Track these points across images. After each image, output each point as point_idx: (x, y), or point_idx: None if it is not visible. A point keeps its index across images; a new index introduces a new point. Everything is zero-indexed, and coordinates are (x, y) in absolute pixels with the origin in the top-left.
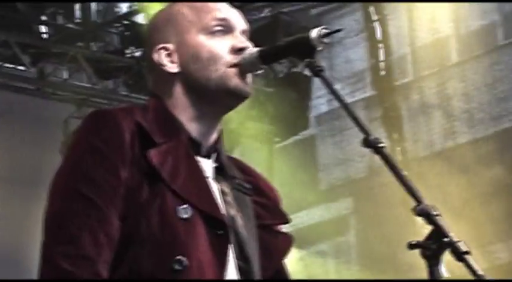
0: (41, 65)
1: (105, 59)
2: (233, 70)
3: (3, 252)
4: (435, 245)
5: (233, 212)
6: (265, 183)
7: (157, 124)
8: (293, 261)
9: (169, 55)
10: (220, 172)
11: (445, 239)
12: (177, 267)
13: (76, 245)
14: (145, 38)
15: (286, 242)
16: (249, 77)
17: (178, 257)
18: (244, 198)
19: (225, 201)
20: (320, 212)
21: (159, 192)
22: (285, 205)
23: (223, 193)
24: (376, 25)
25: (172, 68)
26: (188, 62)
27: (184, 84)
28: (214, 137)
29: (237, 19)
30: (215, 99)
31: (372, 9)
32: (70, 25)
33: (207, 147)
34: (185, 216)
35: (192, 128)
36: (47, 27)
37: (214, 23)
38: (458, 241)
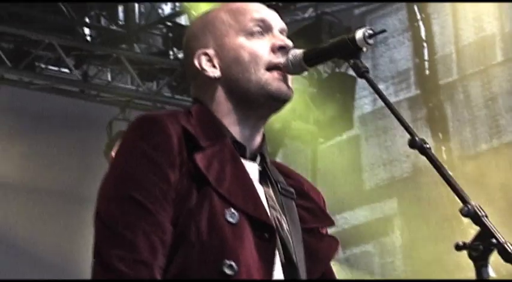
0: (85, 68)
1: (149, 61)
2: (274, 73)
3: (53, 259)
4: (482, 246)
5: (278, 215)
6: (309, 186)
7: (201, 128)
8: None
9: (210, 60)
10: (265, 175)
11: (493, 240)
12: (227, 271)
13: (132, 249)
14: (184, 47)
15: (331, 245)
16: (290, 80)
17: (228, 262)
18: (288, 202)
19: (270, 205)
20: (365, 213)
21: (207, 196)
22: (329, 206)
23: (268, 196)
24: (420, 24)
25: (214, 72)
26: (229, 65)
27: (227, 88)
28: (258, 140)
29: (274, 18)
30: (257, 102)
31: (415, 8)
32: (113, 27)
33: (252, 150)
34: (233, 220)
35: (236, 131)
36: (90, 30)
37: (252, 23)
38: (506, 242)
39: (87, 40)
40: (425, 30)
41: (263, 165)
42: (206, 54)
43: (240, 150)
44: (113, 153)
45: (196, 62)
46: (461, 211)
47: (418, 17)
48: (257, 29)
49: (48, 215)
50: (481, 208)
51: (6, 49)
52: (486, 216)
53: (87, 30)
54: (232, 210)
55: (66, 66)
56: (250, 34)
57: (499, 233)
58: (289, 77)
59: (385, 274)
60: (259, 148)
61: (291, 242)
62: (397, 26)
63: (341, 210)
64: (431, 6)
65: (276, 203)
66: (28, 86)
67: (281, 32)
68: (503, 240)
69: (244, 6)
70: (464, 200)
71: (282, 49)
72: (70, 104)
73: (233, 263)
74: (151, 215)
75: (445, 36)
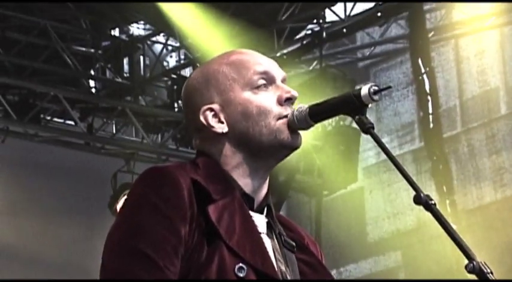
0: (90, 120)
1: (153, 113)
2: (283, 121)
3: None
4: None
5: (283, 268)
6: (308, 239)
7: (211, 181)
8: None
9: (215, 115)
10: (271, 228)
11: None
12: None
13: None
14: (186, 101)
15: None
16: (297, 129)
17: None
18: (290, 255)
19: (276, 258)
20: (369, 266)
21: (217, 250)
22: (333, 258)
23: (275, 249)
24: (425, 77)
25: (222, 128)
26: (237, 120)
27: (235, 143)
28: (264, 191)
29: (276, 68)
30: (268, 153)
31: (420, 61)
32: (118, 79)
33: (259, 202)
34: (241, 274)
35: (245, 183)
36: (95, 82)
37: (256, 77)
38: None
39: (92, 92)
40: (430, 83)
41: (270, 217)
42: (212, 109)
43: (248, 202)
44: (118, 206)
45: (202, 118)
46: (466, 268)
47: (422, 70)
48: (262, 82)
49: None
50: (487, 265)
51: (12, 101)
52: (491, 273)
53: (92, 83)
54: (241, 264)
55: (71, 119)
56: (256, 88)
57: None
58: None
59: None
60: (265, 199)
61: None
62: (401, 79)
63: (345, 263)
64: (436, 59)
65: (281, 256)
66: (33, 139)
67: (283, 81)
68: None
69: (245, 58)
70: (469, 256)
71: (289, 100)
72: (75, 156)
73: None
74: (159, 270)
75: (449, 90)
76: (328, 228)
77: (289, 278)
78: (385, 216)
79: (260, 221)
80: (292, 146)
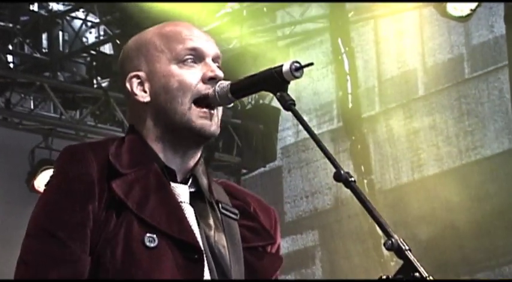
0: (8, 95)
1: (72, 89)
2: (198, 110)
3: None
4: (405, 279)
5: (213, 234)
6: (257, 205)
7: (130, 154)
8: None
9: (141, 84)
10: (197, 197)
11: (416, 274)
12: None
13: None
14: (119, 67)
15: (273, 263)
16: (216, 116)
17: None
18: (229, 221)
19: (204, 224)
20: (286, 244)
21: (124, 222)
22: None
23: (200, 216)
24: (344, 57)
25: (144, 97)
26: (158, 92)
27: (155, 115)
28: (191, 164)
29: (209, 46)
30: (181, 134)
31: (339, 41)
32: (37, 55)
33: (183, 173)
34: (151, 245)
35: (165, 156)
36: (13, 57)
37: (184, 52)
38: (429, 276)
39: (10, 67)
40: (349, 63)
41: (196, 187)
42: (138, 77)
43: (170, 175)
44: (36, 182)
45: (128, 85)
46: (385, 245)
47: (342, 50)
48: (189, 57)
49: None
50: (405, 242)
51: None
52: (409, 250)
53: (10, 58)
54: (150, 234)
55: None
56: (182, 62)
57: (422, 267)
58: (216, 112)
59: None
60: (191, 170)
61: (228, 260)
62: (321, 58)
63: None
64: (356, 40)
65: (212, 222)
66: None
67: (214, 59)
68: (426, 274)
69: (178, 31)
70: (388, 233)
71: (212, 80)
72: None
73: None
74: (66, 246)
75: (368, 70)
76: None
77: (221, 243)
78: (303, 195)
79: (182, 190)
80: (204, 134)
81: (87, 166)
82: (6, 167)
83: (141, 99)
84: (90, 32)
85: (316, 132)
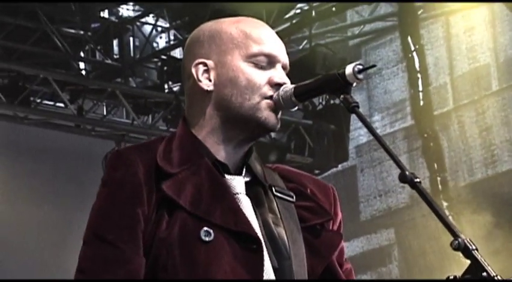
0: (80, 102)
1: (144, 94)
2: (267, 102)
3: None
4: (473, 279)
5: (270, 221)
6: (314, 186)
7: (180, 151)
8: None
9: (207, 71)
10: (253, 186)
11: (483, 274)
12: None
13: None
14: (186, 48)
15: (333, 240)
16: (279, 113)
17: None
18: (285, 205)
19: (262, 212)
20: (361, 244)
21: (178, 220)
22: None
23: (257, 205)
24: (414, 55)
25: (208, 85)
26: (224, 83)
27: (215, 105)
28: (241, 154)
29: (281, 53)
30: (243, 126)
31: (409, 39)
32: (108, 61)
33: (236, 164)
34: (207, 239)
35: (218, 150)
36: (85, 64)
37: (259, 54)
38: (496, 275)
39: (82, 74)
40: (420, 61)
41: (251, 176)
42: (205, 64)
43: (222, 167)
44: None
45: (193, 70)
46: (451, 245)
47: (412, 48)
48: (262, 60)
49: (45, 247)
50: (472, 242)
51: (1, 84)
52: (477, 250)
53: (82, 65)
54: (206, 228)
55: (61, 101)
56: (254, 63)
57: (489, 266)
58: (280, 111)
59: None
60: (243, 160)
61: (287, 243)
62: (391, 57)
63: None
64: (425, 37)
65: (269, 209)
66: (23, 121)
67: (283, 67)
68: (493, 273)
69: (258, 32)
70: (454, 233)
71: (279, 86)
72: (65, 139)
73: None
74: (118, 249)
75: (439, 67)
76: None
77: (279, 229)
78: (377, 194)
79: (237, 182)
80: (268, 126)
81: (133, 169)
82: (80, 174)
83: (205, 87)
84: (161, 37)
85: (388, 130)
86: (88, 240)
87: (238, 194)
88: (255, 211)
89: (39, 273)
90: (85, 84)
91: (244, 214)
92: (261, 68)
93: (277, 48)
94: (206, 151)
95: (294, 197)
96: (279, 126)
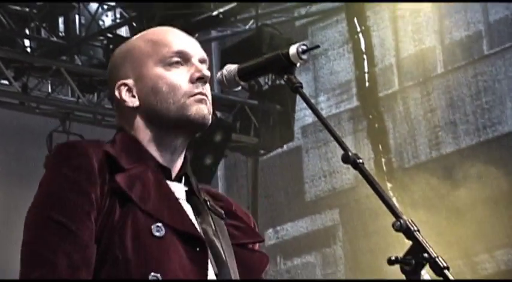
0: (25, 79)
1: (89, 72)
2: (192, 99)
3: None
4: (414, 260)
5: (209, 230)
6: (238, 208)
7: (125, 153)
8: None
9: (129, 90)
10: (192, 195)
11: (425, 254)
12: None
13: (51, 269)
14: (108, 76)
15: (263, 259)
16: (209, 105)
17: (154, 274)
18: (217, 220)
19: (202, 220)
20: (305, 224)
21: (130, 213)
22: (271, 216)
23: (197, 214)
24: (360, 36)
25: (133, 102)
26: (148, 95)
27: (146, 117)
28: (180, 162)
29: (194, 49)
30: (176, 129)
31: (355, 20)
32: (54, 39)
33: (176, 172)
34: (158, 234)
35: (159, 155)
36: (30, 41)
37: (170, 54)
38: (437, 256)
39: (27, 52)
40: (365, 42)
41: (189, 185)
42: (126, 84)
43: (164, 172)
44: None
45: (116, 93)
46: (393, 226)
47: (358, 29)
48: (175, 59)
49: None
50: (413, 223)
51: None
52: (418, 231)
53: (27, 42)
54: (159, 224)
55: (6, 78)
56: (169, 64)
57: (431, 247)
58: (209, 103)
59: None
60: (181, 169)
61: (223, 255)
62: (337, 38)
63: (282, 222)
64: (371, 18)
65: (205, 220)
66: None
67: (201, 61)
68: (435, 254)
69: (163, 35)
70: (396, 214)
71: (201, 79)
72: (9, 116)
73: (159, 276)
74: (73, 233)
75: (384, 49)
76: (266, 188)
77: (215, 239)
78: (322, 175)
79: (178, 188)
80: (198, 121)
81: (87, 157)
82: (24, 152)
83: (131, 105)
84: (107, 15)
85: (334, 111)
86: (37, 223)
87: (180, 199)
88: (196, 219)
89: None
90: (30, 61)
91: (189, 217)
92: (177, 67)
93: (188, 44)
94: (150, 156)
95: (224, 215)
96: (210, 120)
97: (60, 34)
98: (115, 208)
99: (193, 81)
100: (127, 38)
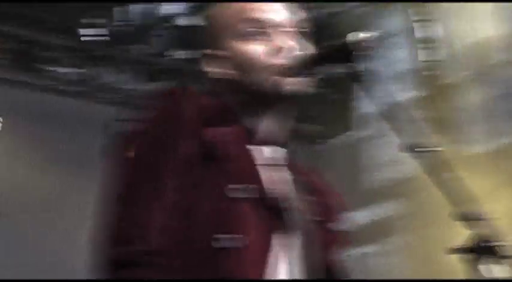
0: (83, 68)
1: (147, 61)
2: (276, 72)
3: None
4: (474, 249)
5: (295, 194)
6: (322, 185)
7: (218, 111)
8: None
9: (216, 60)
10: (280, 160)
11: (485, 243)
12: (225, 244)
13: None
14: (206, 36)
15: (338, 237)
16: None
17: (226, 236)
18: (302, 192)
19: (288, 184)
20: (365, 214)
21: (213, 171)
22: None
23: (283, 178)
24: (422, 25)
25: (221, 73)
26: (231, 68)
27: (233, 88)
28: (273, 129)
29: (276, 14)
30: (266, 101)
31: (416, 9)
32: (112, 27)
33: (265, 137)
34: (237, 196)
35: (249, 121)
36: (87, 30)
37: (244, 25)
38: (499, 246)
39: (84, 40)
40: (426, 31)
41: (281, 152)
42: (210, 55)
43: (251, 135)
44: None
45: (204, 60)
46: (454, 215)
47: (418, 18)
48: (252, 30)
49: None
50: (475, 212)
51: (8, 50)
52: (480, 219)
53: (84, 30)
54: (237, 186)
55: (64, 66)
56: (246, 37)
57: (492, 236)
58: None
59: (385, 275)
60: (281, 134)
61: (306, 221)
62: (397, 27)
63: None
64: (431, 7)
65: (294, 184)
66: (27, 87)
67: (287, 26)
68: (495, 242)
69: (241, 6)
70: (458, 203)
71: (281, 50)
72: (67, 105)
73: (230, 236)
74: (158, 180)
75: (447, 37)
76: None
77: (300, 205)
78: (382, 164)
79: (278, 154)
80: (280, 93)
81: (182, 108)
82: (81, 139)
83: (217, 76)
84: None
85: (395, 100)
86: (131, 181)
87: (278, 164)
88: (278, 183)
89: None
90: (88, 49)
91: (274, 180)
92: (254, 39)
93: (267, 11)
94: (238, 118)
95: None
96: (296, 88)
97: (117, 22)
98: (201, 163)
99: (273, 53)
100: (185, 27)
